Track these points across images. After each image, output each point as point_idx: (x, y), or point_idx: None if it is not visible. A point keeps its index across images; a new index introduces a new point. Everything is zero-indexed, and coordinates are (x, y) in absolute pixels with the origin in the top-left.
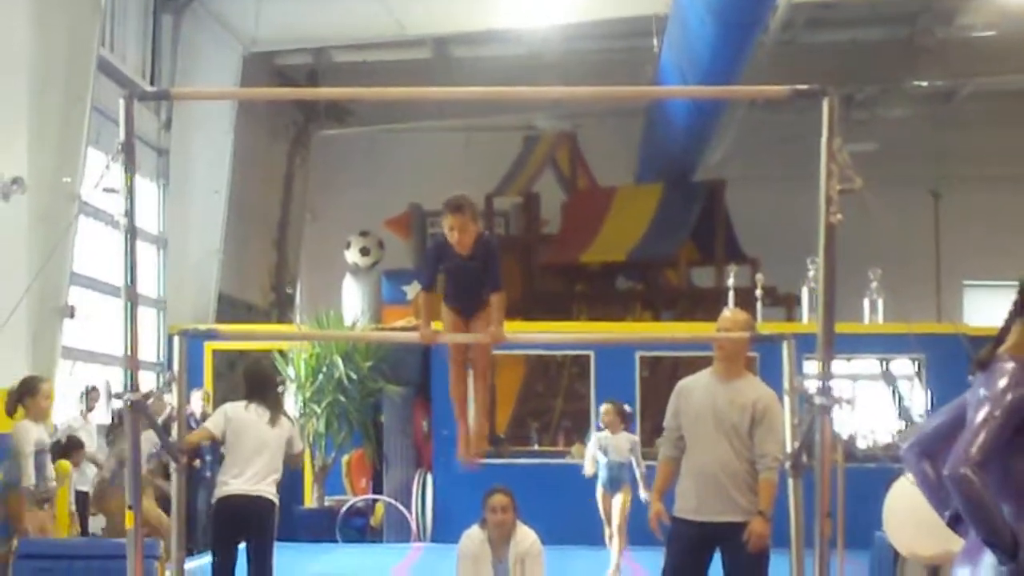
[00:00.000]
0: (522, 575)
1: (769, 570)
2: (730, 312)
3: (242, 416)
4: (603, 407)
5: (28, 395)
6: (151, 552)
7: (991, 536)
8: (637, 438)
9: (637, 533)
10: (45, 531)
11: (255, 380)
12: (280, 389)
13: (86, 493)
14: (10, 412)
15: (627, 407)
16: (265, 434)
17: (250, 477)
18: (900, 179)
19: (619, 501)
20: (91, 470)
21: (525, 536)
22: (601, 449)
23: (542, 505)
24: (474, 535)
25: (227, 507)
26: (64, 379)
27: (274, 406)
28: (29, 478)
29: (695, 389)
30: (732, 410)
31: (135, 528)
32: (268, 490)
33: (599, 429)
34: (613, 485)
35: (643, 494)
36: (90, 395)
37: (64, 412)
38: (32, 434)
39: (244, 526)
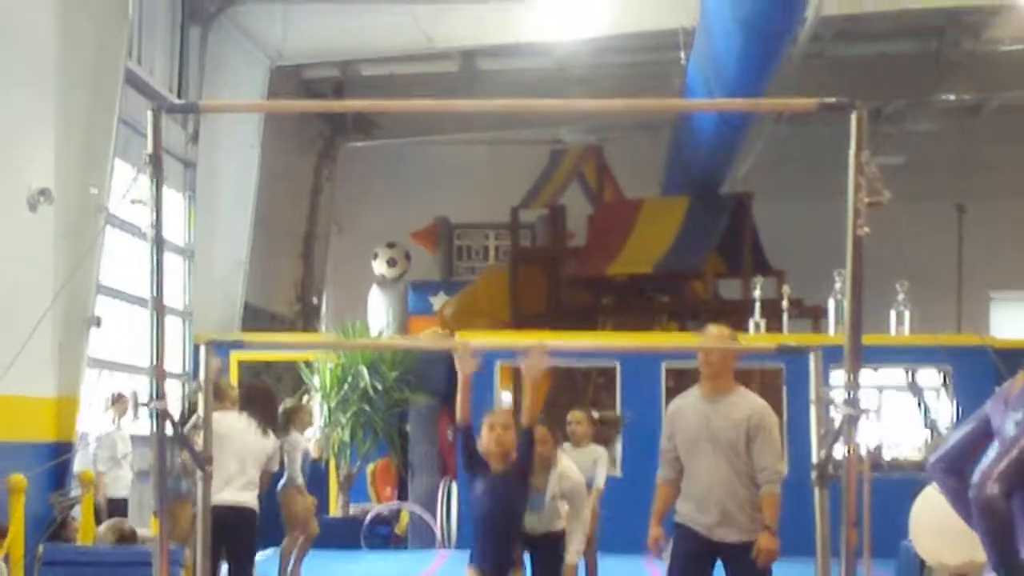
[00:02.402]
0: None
1: None
2: (715, 328)
3: (229, 423)
4: (572, 415)
5: (295, 413)
6: (176, 559)
7: (1000, 563)
8: (604, 452)
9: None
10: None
11: (254, 392)
12: (289, 405)
13: (124, 500)
14: (284, 427)
15: (595, 414)
16: (251, 443)
17: (233, 487)
18: (926, 192)
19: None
20: (128, 476)
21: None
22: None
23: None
24: None
25: (218, 516)
26: (90, 389)
27: (267, 420)
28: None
29: (686, 409)
30: (727, 428)
31: (161, 535)
32: (250, 499)
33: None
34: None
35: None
36: (117, 402)
37: (93, 422)
38: (301, 443)
39: (226, 535)
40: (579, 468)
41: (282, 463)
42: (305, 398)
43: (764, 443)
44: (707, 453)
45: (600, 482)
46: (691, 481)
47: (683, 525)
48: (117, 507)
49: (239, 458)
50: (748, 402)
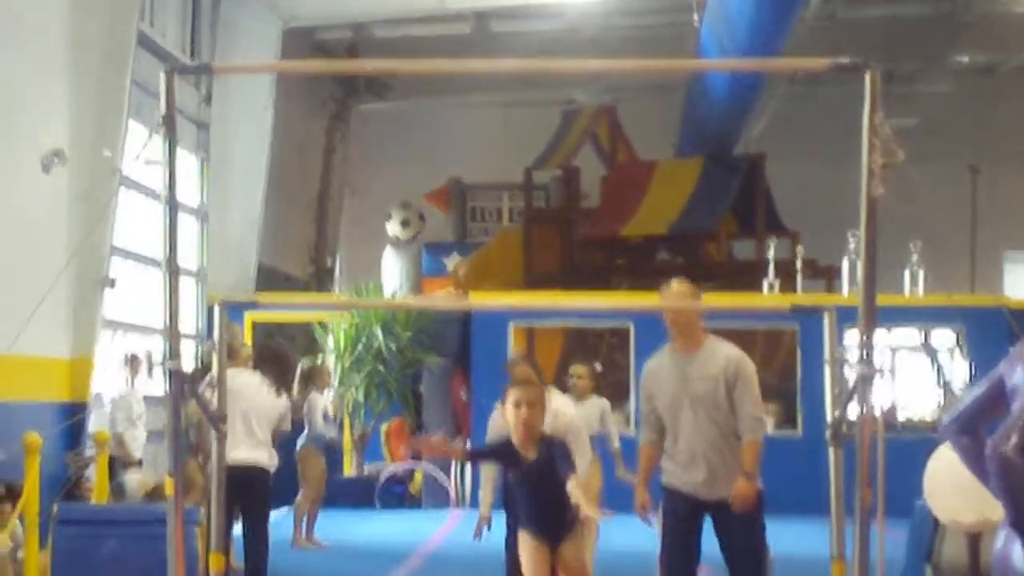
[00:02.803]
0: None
1: (766, 535)
2: (676, 284)
3: (241, 382)
4: (573, 368)
5: (314, 374)
6: (191, 518)
7: (1019, 520)
8: (607, 404)
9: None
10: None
11: (268, 353)
12: (308, 365)
13: (139, 461)
14: (304, 387)
15: (599, 366)
16: (262, 403)
17: (244, 446)
18: (940, 154)
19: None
20: (142, 437)
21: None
22: None
23: None
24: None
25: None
26: (105, 350)
27: (281, 381)
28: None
29: (661, 371)
30: (705, 382)
31: (175, 494)
32: (264, 459)
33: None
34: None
35: (621, 473)
36: (132, 363)
37: (108, 382)
38: (320, 403)
39: (238, 495)
40: (587, 422)
41: (301, 423)
42: (320, 358)
43: (744, 392)
44: (688, 411)
45: (615, 442)
46: (674, 441)
47: (670, 487)
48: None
49: (249, 417)
50: (722, 353)
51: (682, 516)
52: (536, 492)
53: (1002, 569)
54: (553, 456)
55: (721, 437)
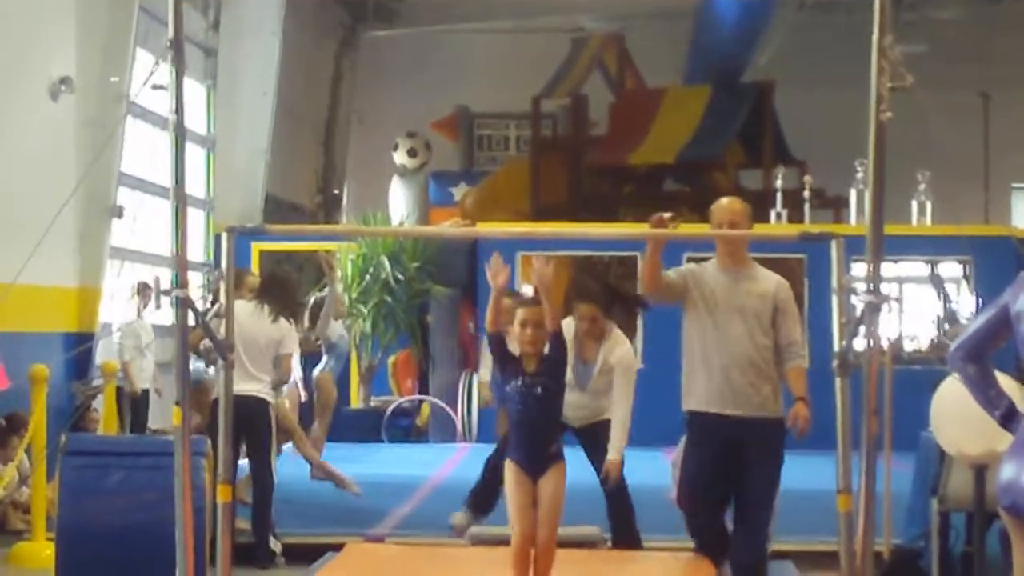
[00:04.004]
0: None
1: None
2: (727, 201)
3: (242, 310)
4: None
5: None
6: (198, 449)
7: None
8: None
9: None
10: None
11: (269, 280)
12: (311, 297)
13: (145, 391)
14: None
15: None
16: (257, 331)
17: (240, 377)
18: (949, 81)
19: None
20: (150, 367)
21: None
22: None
23: None
24: None
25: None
26: (112, 280)
27: (281, 307)
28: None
29: (707, 275)
30: (752, 299)
31: (183, 425)
32: (259, 389)
33: None
34: None
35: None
36: (142, 293)
37: (115, 312)
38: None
39: (238, 426)
40: None
41: (317, 353)
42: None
43: (791, 317)
44: (730, 321)
45: None
46: (710, 352)
47: (697, 412)
48: (139, 398)
49: (245, 347)
50: (770, 276)
51: (710, 441)
52: (531, 406)
53: (1011, 495)
54: (553, 368)
55: (756, 354)
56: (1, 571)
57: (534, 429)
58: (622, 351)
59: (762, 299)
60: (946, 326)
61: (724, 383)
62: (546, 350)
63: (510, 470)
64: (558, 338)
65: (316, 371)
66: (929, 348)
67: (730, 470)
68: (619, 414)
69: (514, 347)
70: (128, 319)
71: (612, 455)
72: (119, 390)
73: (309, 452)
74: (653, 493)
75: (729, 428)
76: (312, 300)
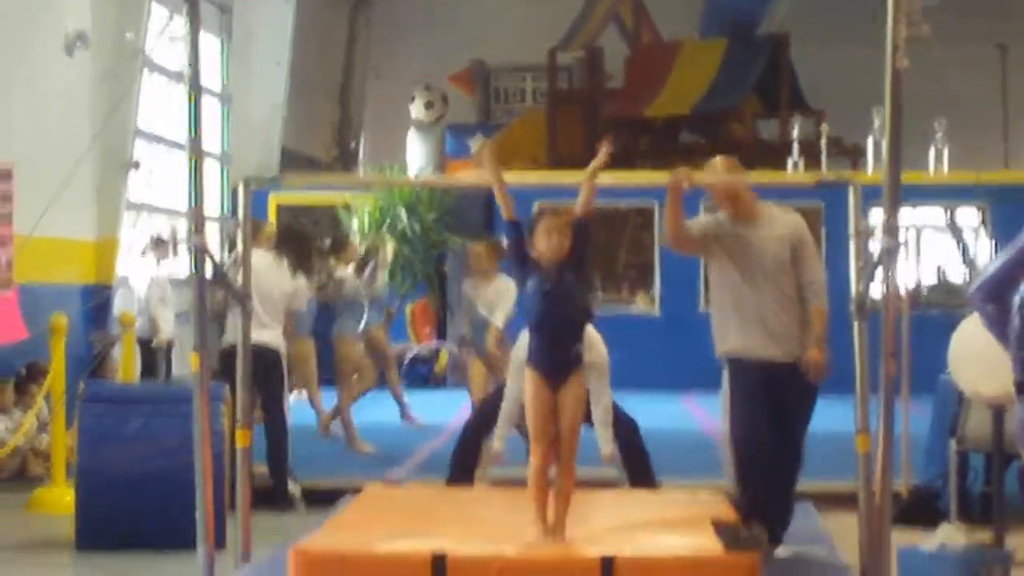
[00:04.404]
0: None
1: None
2: (720, 160)
3: (260, 261)
4: (471, 247)
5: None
6: (217, 395)
7: None
8: (511, 285)
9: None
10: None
11: (287, 232)
12: (324, 249)
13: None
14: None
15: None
16: (273, 284)
17: (254, 326)
18: (965, 34)
19: (478, 369)
20: (171, 319)
21: None
22: (467, 302)
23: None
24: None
25: (231, 355)
26: (130, 232)
27: (299, 262)
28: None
29: (726, 229)
30: (771, 244)
31: (201, 371)
32: (272, 337)
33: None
34: (479, 348)
35: (491, 345)
36: (157, 246)
37: (134, 265)
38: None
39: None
40: (483, 304)
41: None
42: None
43: (809, 256)
44: (758, 271)
45: (499, 319)
46: (741, 301)
47: (735, 358)
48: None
49: (260, 298)
50: (786, 218)
51: (752, 377)
52: (552, 306)
53: None
54: (576, 264)
55: (784, 299)
56: (22, 517)
57: (555, 328)
58: (596, 353)
59: (780, 242)
60: (967, 276)
61: (760, 327)
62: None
63: (531, 380)
64: (584, 227)
65: (362, 326)
66: (948, 294)
67: (773, 408)
68: (600, 416)
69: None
70: (153, 273)
71: (605, 449)
72: (148, 343)
73: (320, 406)
74: (674, 436)
75: (771, 370)
76: (363, 252)
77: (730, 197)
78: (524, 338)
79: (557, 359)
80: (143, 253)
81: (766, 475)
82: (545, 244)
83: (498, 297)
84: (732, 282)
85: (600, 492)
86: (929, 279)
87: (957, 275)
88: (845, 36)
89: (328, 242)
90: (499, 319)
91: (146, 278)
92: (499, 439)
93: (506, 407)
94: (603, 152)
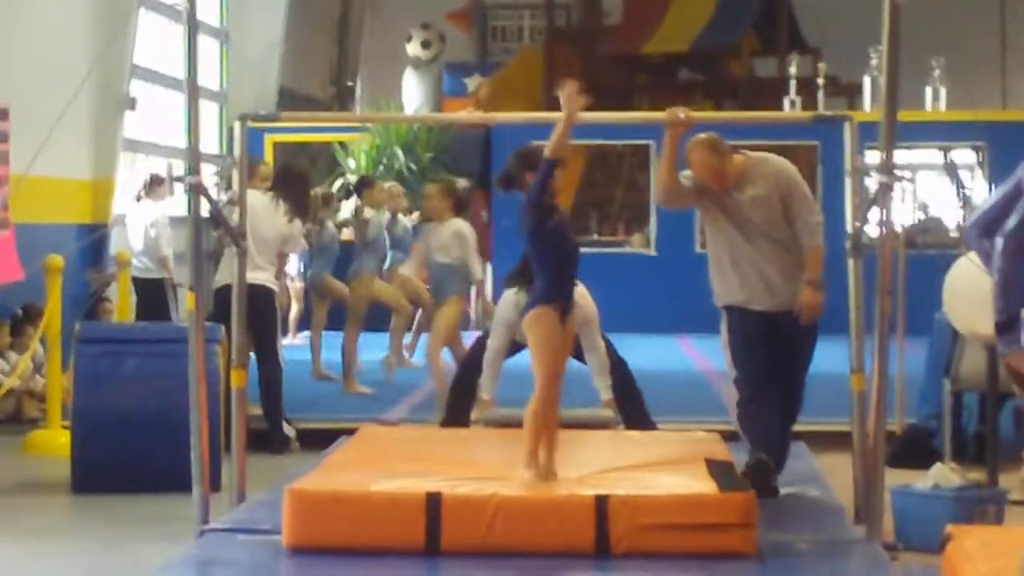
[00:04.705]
0: None
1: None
2: (704, 136)
3: (256, 201)
4: (426, 188)
5: (370, 191)
6: (212, 336)
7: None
8: (468, 227)
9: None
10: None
11: (287, 174)
12: (321, 190)
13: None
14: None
15: (463, 183)
16: (268, 225)
17: (248, 266)
18: None
19: (442, 314)
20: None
21: None
22: (425, 246)
23: (600, 292)
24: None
25: (225, 295)
26: (126, 171)
27: (297, 205)
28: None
29: (712, 190)
30: (758, 204)
31: (197, 311)
32: (265, 278)
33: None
34: (438, 292)
35: (487, 309)
36: (153, 184)
37: (135, 205)
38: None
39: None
40: (439, 248)
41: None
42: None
43: (799, 202)
44: (750, 225)
45: (477, 272)
46: (733, 264)
47: (734, 307)
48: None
49: (254, 238)
50: (766, 169)
51: (752, 325)
52: (569, 239)
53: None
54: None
55: (780, 250)
56: (17, 459)
57: (573, 263)
58: (586, 304)
59: (767, 202)
60: (963, 216)
61: (757, 279)
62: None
63: (550, 319)
64: (549, 166)
65: (401, 270)
66: (944, 234)
67: (771, 353)
68: (597, 364)
69: None
70: (158, 213)
71: (605, 396)
72: (161, 282)
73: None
74: (670, 376)
75: (769, 318)
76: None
77: (715, 176)
78: (510, 294)
79: (571, 292)
80: (140, 192)
81: (766, 415)
82: (562, 183)
83: (457, 242)
84: (727, 236)
85: (595, 432)
86: (922, 217)
87: (949, 214)
88: None
89: (355, 182)
90: (477, 272)
91: (149, 217)
92: (487, 390)
93: (490, 357)
94: (565, 96)
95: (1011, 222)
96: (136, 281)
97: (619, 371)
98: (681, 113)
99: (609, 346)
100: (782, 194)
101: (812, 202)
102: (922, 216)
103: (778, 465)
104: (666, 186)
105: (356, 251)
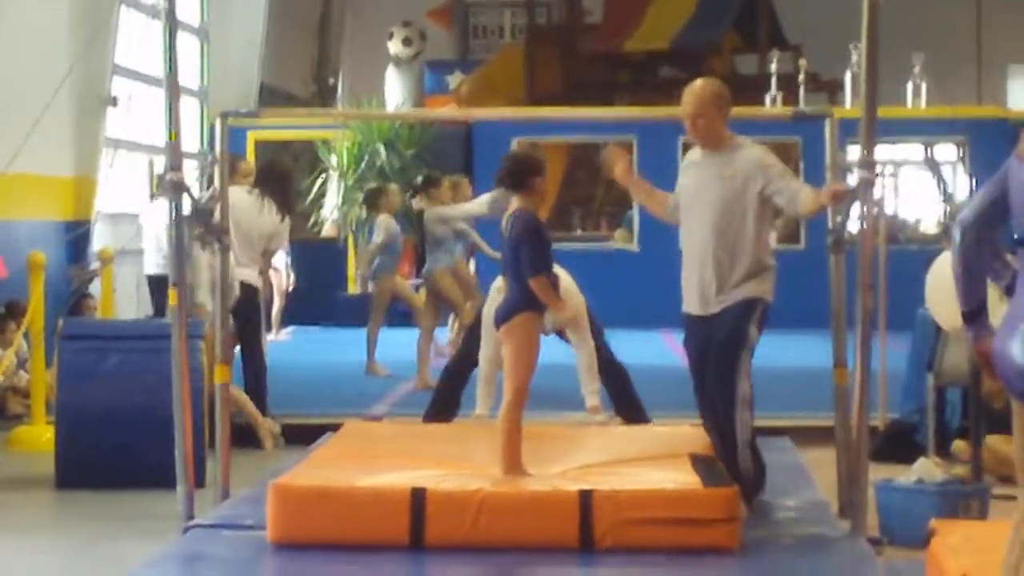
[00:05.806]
0: None
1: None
2: (686, 92)
3: (240, 199)
4: (448, 180)
5: (381, 196)
6: (195, 332)
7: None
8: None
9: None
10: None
11: (271, 172)
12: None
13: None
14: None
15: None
16: (252, 224)
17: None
18: None
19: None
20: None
21: None
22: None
23: (584, 288)
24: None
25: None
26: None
27: (281, 203)
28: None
29: (691, 164)
30: (723, 183)
31: (179, 307)
32: (248, 275)
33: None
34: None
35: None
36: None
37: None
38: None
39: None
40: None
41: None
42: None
43: (778, 176)
44: (701, 217)
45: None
46: (691, 243)
47: (687, 315)
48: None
49: (237, 236)
50: (744, 155)
51: (701, 343)
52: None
53: (1001, 367)
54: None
55: (730, 246)
56: (1, 455)
57: (551, 265)
58: (575, 302)
59: (733, 180)
60: (945, 211)
61: (697, 281)
62: None
63: (534, 322)
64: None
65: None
66: (926, 230)
67: (698, 361)
68: (585, 362)
69: None
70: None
71: (591, 402)
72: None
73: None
74: (655, 372)
75: (701, 326)
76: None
77: (695, 130)
78: (495, 295)
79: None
80: (154, 191)
81: (717, 443)
82: (544, 190)
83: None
84: (683, 232)
85: (580, 428)
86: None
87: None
88: None
89: (419, 179)
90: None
91: (164, 216)
92: (482, 405)
93: (485, 370)
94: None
95: (968, 214)
96: (152, 279)
97: (621, 379)
98: (610, 153)
99: (609, 351)
100: (760, 176)
101: (791, 174)
102: (901, 216)
103: (755, 487)
104: (660, 214)
105: (429, 247)
